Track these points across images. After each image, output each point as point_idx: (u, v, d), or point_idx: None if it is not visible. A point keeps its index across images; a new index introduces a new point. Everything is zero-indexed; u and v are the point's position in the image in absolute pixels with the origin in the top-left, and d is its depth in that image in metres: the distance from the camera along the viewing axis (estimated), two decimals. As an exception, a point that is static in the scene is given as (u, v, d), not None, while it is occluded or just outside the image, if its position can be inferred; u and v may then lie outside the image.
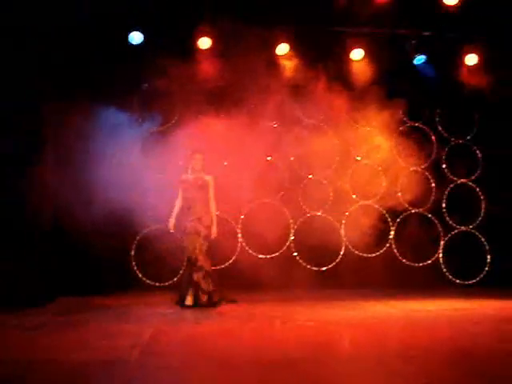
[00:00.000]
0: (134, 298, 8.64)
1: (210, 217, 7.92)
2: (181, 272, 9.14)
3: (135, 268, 9.71)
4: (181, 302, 7.69)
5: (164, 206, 9.46)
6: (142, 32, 9.40)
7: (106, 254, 9.19)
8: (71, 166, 8.82)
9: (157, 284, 9.75)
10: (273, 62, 9.75)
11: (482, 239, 10.62)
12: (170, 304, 7.68)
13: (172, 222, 8.05)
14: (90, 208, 8.76)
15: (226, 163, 9.96)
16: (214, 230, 7.88)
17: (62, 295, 8.36)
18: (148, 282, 9.74)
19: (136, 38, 9.43)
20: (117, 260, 9.45)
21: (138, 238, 9.69)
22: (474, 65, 10.20)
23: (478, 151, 10.82)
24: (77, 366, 4.22)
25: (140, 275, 9.72)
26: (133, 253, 9.70)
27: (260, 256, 10.02)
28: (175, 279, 9.73)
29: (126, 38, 9.41)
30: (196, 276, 7.69)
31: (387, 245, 10.43)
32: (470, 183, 10.77)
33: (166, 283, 9.73)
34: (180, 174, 8.18)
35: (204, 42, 9.54)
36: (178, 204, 8.09)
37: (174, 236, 9.77)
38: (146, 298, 8.47)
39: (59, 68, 8.88)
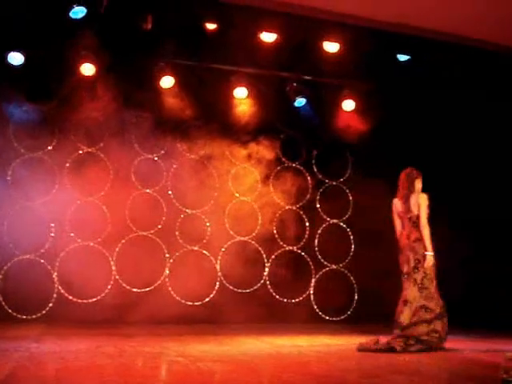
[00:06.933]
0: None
1: None
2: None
3: (1, 299, 9.23)
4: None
5: (31, 235, 9.14)
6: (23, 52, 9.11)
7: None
8: None
9: (24, 317, 9.30)
10: (156, 95, 9.75)
11: (351, 277, 11.06)
12: (37, 338, 7.32)
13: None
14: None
15: (102, 193, 9.81)
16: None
17: None
18: (14, 314, 9.27)
19: (16, 58, 9.14)
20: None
21: (4, 268, 9.24)
22: (351, 110, 10.70)
23: (349, 193, 11.33)
24: None
25: (6, 306, 9.24)
26: (-2, 284, 9.24)
27: (134, 289, 9.85)
28: (44, 311, 9.35)
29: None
30: None
31: (262, 281, 10.59)
32: (341, 223, 11.24)
33: (34, 316, 9.32)
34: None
35: (87, 68, 9.36)
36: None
37: (44, 267, 9.45)
38: (11, 331, 8.04)
39: None
